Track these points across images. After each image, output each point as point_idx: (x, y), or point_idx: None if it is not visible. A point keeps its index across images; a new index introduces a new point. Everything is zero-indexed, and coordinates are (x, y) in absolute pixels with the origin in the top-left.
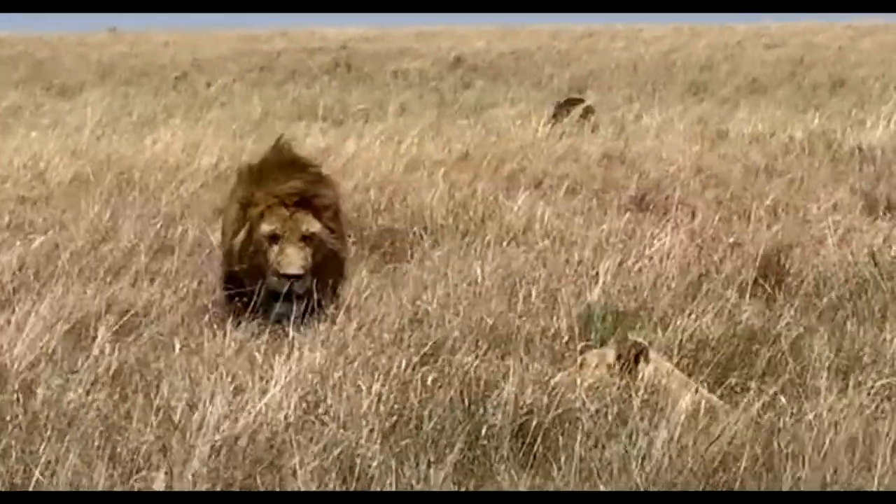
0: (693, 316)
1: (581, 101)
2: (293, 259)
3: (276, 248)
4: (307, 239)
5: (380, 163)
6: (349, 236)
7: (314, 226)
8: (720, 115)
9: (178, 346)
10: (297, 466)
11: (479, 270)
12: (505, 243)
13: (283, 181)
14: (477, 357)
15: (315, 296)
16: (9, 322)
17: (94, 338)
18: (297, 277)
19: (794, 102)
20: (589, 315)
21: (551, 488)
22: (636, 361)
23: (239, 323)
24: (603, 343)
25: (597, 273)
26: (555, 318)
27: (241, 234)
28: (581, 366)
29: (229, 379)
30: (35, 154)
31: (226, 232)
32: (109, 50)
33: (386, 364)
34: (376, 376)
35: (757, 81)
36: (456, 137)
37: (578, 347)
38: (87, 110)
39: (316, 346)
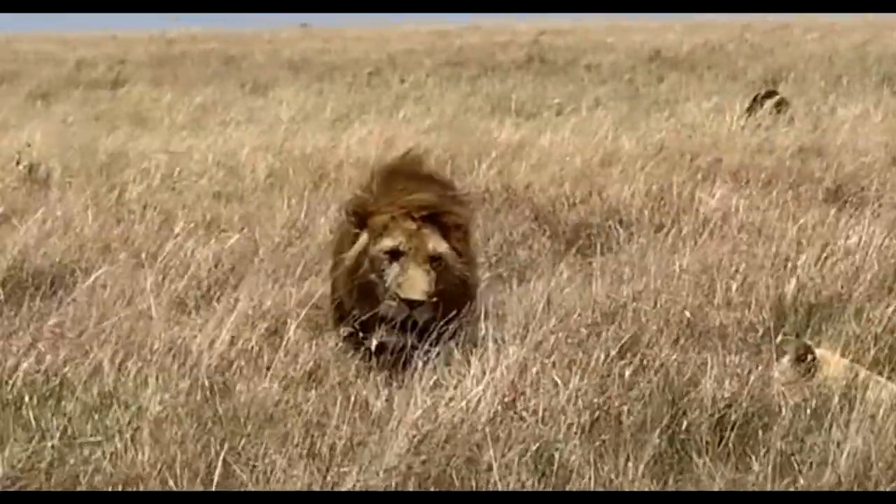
0: (891, 308)
1: (775, 93)
2: (417, 282)
3: (396, 267)
4: (434, 261)
5: (574, 156)
6: (477, 260)
7: (442, 246)
8: None
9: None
10: (495, 461)
11: (675, 263)
12: (701, 236)
13: (412, 192)
14: (675, 350)
15: (436, 329)
16: (208, 319)
17: (291, 335)
18: (419, 304)
19: None
20: (784, 307)
21: (750, 481)
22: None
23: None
24: (798, 336)
25: (794, 265)
26: (750, 310)
27: (356, 247)
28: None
29: (427, 374)
30: (229, 150)
31: (336, 244)
32: (301, 45)
33: (583, 358)
34: (574, 371)
35: None
36: (650, 131)
37: (776, 340)
38: (280, 106)
39: (513, 342)
